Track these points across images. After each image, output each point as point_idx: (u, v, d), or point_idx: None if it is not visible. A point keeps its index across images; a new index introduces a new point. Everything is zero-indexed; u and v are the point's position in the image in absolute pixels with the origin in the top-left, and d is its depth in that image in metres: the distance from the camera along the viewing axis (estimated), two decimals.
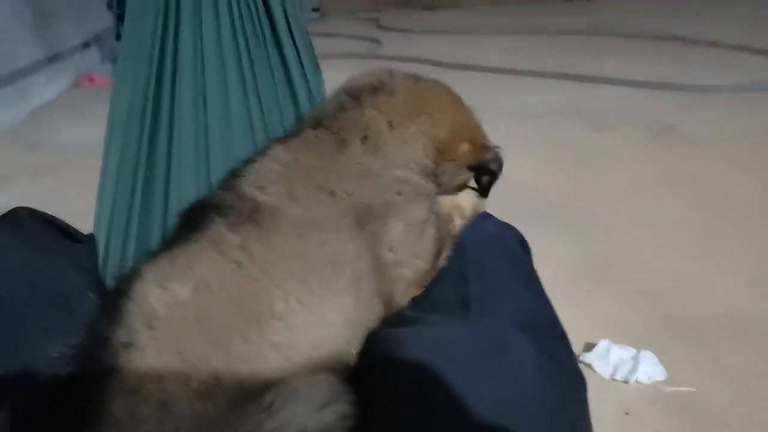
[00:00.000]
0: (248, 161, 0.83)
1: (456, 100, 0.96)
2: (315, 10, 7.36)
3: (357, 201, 0.79)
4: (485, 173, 0.95)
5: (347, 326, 0.72)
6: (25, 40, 3.92)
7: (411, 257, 0.79)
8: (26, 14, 3.96)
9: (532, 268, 0.87)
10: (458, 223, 0.88)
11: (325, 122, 0.87)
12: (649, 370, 1.51)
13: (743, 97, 3.62)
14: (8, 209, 2.56)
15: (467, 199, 0.92)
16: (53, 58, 4.30)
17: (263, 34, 1.01)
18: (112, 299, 0.69)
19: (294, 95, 1.03)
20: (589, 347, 1.60)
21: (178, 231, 0.79)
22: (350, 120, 0.86)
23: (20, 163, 3.07)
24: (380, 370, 0.72)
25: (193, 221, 0.75)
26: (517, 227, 1.02)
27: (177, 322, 0.65)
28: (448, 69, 4.53)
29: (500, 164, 0.96)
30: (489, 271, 0.82)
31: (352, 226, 0.76)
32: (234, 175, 0.82)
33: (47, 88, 4.18)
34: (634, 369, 1.51)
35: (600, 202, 2.40)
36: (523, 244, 0.92)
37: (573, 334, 0.83)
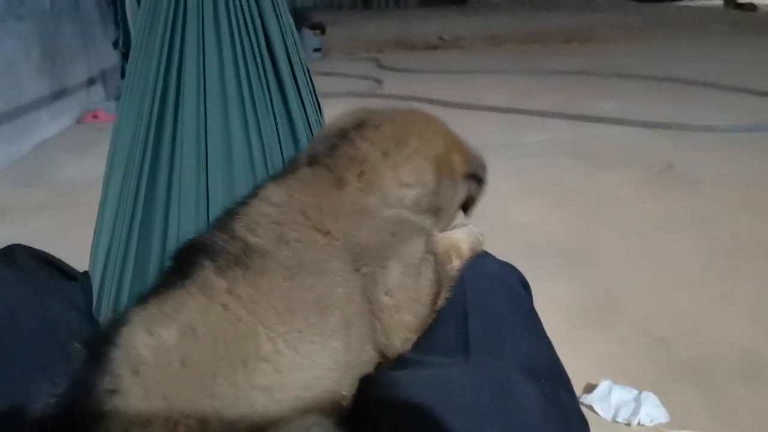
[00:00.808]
0: (242, 202, 0.83)
1: (436, 120, 0.99)
2: (317, 50, 7.51)
3: (353, 241, 0.78)
4: (477, 183, 0.97)
5: (337, 368, 0.71)
6: (32, 76, 3.99)
7: (410, 302, 0.78)
8: (34, 51, 4.04)
9: (534, 309, 0.86)
10: (456, 263, 0.87)
11: (321, 160, 0.87)
12: (652, 412, 1.48)
13: (740, 137, 3.66)
14: (7, 244, 2.55)
15: (465, 239, 0.91)
16: (58, 95, 4.36)
17: (265, 74, 1.02)
18: (99, 345, 0.68)
19: (295, 135, 1.04)
20: (590, 388, 1.57)
21: (168, 274, 0.78)
22: (346, 156, 0.86)
23: (21, 198, 3.08)
24: (378, 413, 0.70)
25: (184, 264, 0.74)
26: (518, 267, 1.01)
27: (163, 368, 0.65)
28: (449, 108, 4.59)
29: (486, 170, 0.99)
30: (490, 312, 0.80)
31: (345, 269, 0.75)
32: (228, 216, 0.81)
33: (51, 123, 4.23)
34: (636, 411, 1.48)
35: (601, 242, 2.40)
36: (524, 285, 0.91)
37: (574, 374, 0.82)
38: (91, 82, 5.02)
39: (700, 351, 1.69)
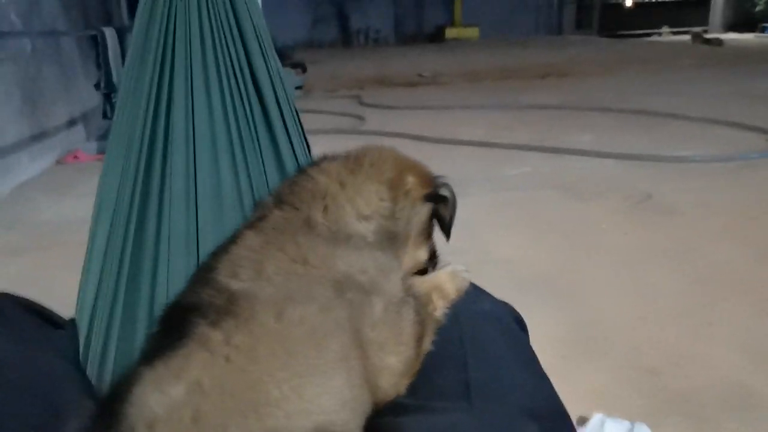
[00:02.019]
0: (220, 252, 0.83)
1: (392, 149, 1.01)
2: (298, 87, 7.60)
3: (333, 269, 0.78)
4: (440, 201, 0.97)
5: (343, 409, 0.70)
6: (12, 118, 3.97)
7: (394, 342, 0.77)
8: (15, 94, 4.03)
9: (530, 347, 0.86)
10: (440, 304, 0.86)
11: (284, 200, 0.89)
12: None
13: (713, 167, 3.76)
14: None
15: (448, 280, 0.91)
16: (39, 136, 4.34)
17: (254, 116, 1.03)
18: (112, 402, 0.67)
19: (285, 175, 1.04)
20: (582, 421, 1.56)
21: (162, 336, 0.78)
22: (307, 191, 0.89)
23: (0, 242, 3.03)
24: None
25: (176, 326, 0.74)
26: (504, 300, 1.02)
27: (175, 424, 0.65)
28: (429, 143, 4.66)
29: (452, 191, 0.97)
30: (489, 353, 0.80)
31: (329, 293, 0.75)
32: (207, 269, 0.80)
33: (31, 165, 4.19)
34: None
35: (585, 273, 2.42)
36: (519, 322, 0.91)
37: (565, 407, 0.82)
38: (71, 123, 5.01)
39: (690, 382, 1.70)
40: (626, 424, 1.52)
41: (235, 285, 0.75)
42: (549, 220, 3.05)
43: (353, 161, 0.95)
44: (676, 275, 2.34)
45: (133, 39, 1.04)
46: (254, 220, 0.88)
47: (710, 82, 7.07)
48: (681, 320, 2.02)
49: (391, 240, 0.89)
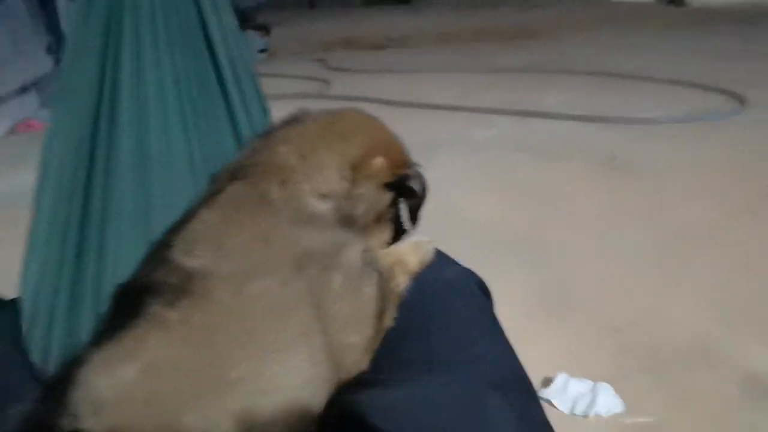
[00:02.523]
0: (174, 228, 0.77)
1: (371, 120, 0.91)
2: (262, 51, 7.39)
3: (292, 248, 0.74)
4: (406, 194, 0.87)
5: (306, 386, 0.68)
6: None
7: (356, 320, 0.73)
8: None
9: (495, 316, 0.84)
10: (401, 279, 0.83)
11: (240, 172, 0.81)
12: (608, 402, 1.50)
13: (680, 127, 3.79)
14: None
15: (410, 252, 0.87)
16: None
17: (207, 79, 0.98)
18: (56, 385, 0.63)
19: (240, 141, 0.99)
20: (547, 382, 1.58)
21: (114, 315, 0.73)
22: (263, 164, 0.80)
23: None
24: None
25: (128, 306, 0.70)
26: (472, 263, 0.99)
27: (125, 406, 0.61)
28: (397, 107, 4.59)
29: (423, 184, 0.88)
30: (452, 324, 0.78)
31: (290, 268, 0.72)
32: (162, 247, 0.75)
33: None
34: (592, 402, 1.50)
35: (552, 235, 2.44)
36: (483, 289, 0.89)
37: (531, 368, 0.81)
38: (23, 90, 4.79)
39: (653, 339, 1.73)
40: (589, 383, 1.55)
41: (190, 263, 0.70)
42: (518, 182, 3.05)
43: (321, 128, 0.85)
44: (645, 235, 2.37)
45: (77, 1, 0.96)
46: (209, 195, 0.81)
47: (677, 43, 7.10)
48: (649, 279, 2.06)
49: (349, 222, 0.81)
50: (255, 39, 7.10)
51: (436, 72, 6.13)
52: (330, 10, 13.39)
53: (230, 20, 1.01)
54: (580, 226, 2.51)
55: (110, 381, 0.62)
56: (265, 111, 1.05)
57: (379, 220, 0.87)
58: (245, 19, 7.16)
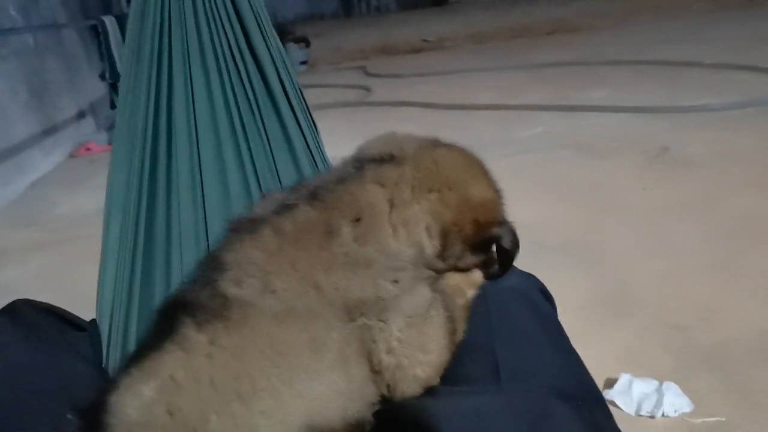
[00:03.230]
0: (233, 241, 0.76)
1: (474, 171, 0.86)
2: (304, 62, 7.51)
3: (346, 296, 0.72)
4: (497, 250, 0.84)
5: (339, 396, 0.69)
6: (20, 115, 3.97)
7: (418, 354, 0.72)
8: (22, 90, 4.03)
9: (558, 322, 0.84)
10: (470, 293, 0.82)
11: (321, 195, 0.78)
12: (675, 402, 1.46)
13: (732, 114, 3.65)
14: (7, 286, 2.51)
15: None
16: (49, 131, 4.35)
17: (257, 99, 1.01)
18: (95, 414, 0.67)
19: (294, 156, 1.02)
20: (610, 383, 1.55)
21: (152, 332, 0.76)
22: (347, 196, 0.77)
23: (18, 238, 3.06)
24: None
25: (166, 322, 0.72)
26: (527, 265, 0.99)
27: (152, 424, 0.64)
28: (438, 109, 4.59)
29: (514, 241, 0.84)
30: (517, 332, 0.78)
31: (339, 316, 0.71)
32: (214, 266, 0.75)
33: (44, 160, 4.22)
34: (659, 402, 1.46)
35: (606, 232, 2.38)
36: (546, 295, 0.89)
37: (592, 370, 0.80)
38: (80, 115, 5.01)
39: (718, 336, 1.67)
40: (654, 382, 1.51)
41: (233, 292, 0.71)
42: (567, 180, 3.00)
43: (422, 177, 0.80)
44: (700, 229, 2.29)
45: (128, 31, 1.01)
46: (280, 208, 0.79)
47: (724, 27, 6.84)
48: (706, 274, 1.99)
49: (429, 269, 0.79)
50: (295, 51, 7.22)
51: (476, 72, 6.08)
52: (366, 18, 13.48)
53: (275, 41, 1.04)
54: (634, 222, 2.45)
55: (134, 402, 0.65)
56: (314, 125, 1.07)
57: (466, 270, 0.85)
58: (285, 33, 7.30)
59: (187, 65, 0.98)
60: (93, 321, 0.98)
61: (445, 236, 0.79)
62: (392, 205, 0.78)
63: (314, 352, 0.69)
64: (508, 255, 0.85)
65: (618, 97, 4.24)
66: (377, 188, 0.78)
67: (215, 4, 0.99)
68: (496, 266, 0.87)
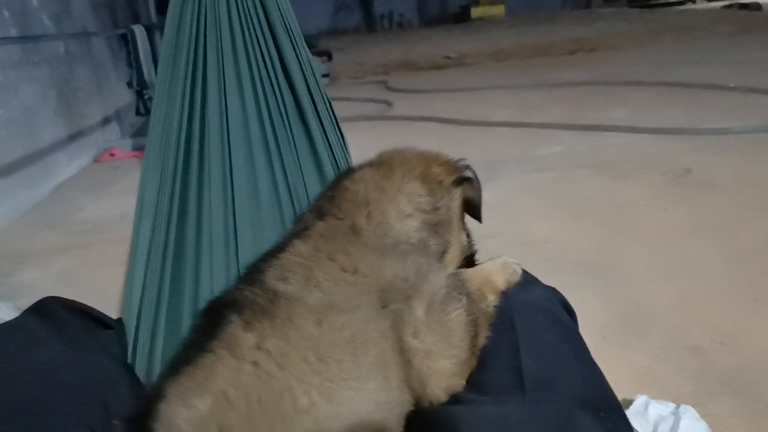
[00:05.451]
0: (268, 256, 0.84)
1: (409, 149, 1.05)
2: (325, 75, 7.59)
3: (379, 278, 0.79)
4: (467, 182, 1.01)
5: (378, 410, 0.70)
6: (49, 119, 4.07)
7: (442, 345, 0.76)
8: (51, 95, 4.13)
9: (580, 336, 0.85)
10: (491, 299, 0.86)
11: (327, 210, 0.91)
12: (692, 426, 1.44)
13: (755, 138, 3.63)
14: (30, 287, 2.55)
15: (497, 271, 0.90)
16: (75, 136, 4.44)
17: (287, 111, 1.04)
18: (140, 420, 0.68)
19: (320, 168, 1.05)
20: (626, 404, 1.54)
21: (197, 333, 0.78)
22: (347, 201, 0.91)
23: (43, 240, 3.12)
24: None
25: (212, 322, 0.75)
26: (544, 283, 1.00)
27: None
28: (458, 126, 4.61)
29: (473, 172, 1.04)
30: (541, 343, 0.79)
31: (375, 304, 0.75)
32: (256, 270, 0.81)
33: (69, 164, 4.30)
34: (675, 426, 1.44)
35: (624, 252, 2.37)
36: (568, 309, 0.90)
37: None
38: (106, 121, 5.11)
39: (737, 360, 1.66)
40: (671, 405, 1.49)
41: (281, 287, 0.76)
42: (585, 199, 3.00)
43: (382, 166, 0.99)
44: (719, 251, 2.28)
45: (164, 41, 1.05)
46: (299, 230, 0.90)
47: (749, 50, 6.80)
48: (725, 297, 1.97)
49: (435, 230, 0.91)
50: (317, 65, 7.29)
51: (497, 89, 6.11)
52: (388, 33, 13.59)
53: (305, 52, 1.07)
54: (653, 243, 2.43)
55: (186, 415, 0.66)
56: (342, 137, 1.10)
57: (458, 219, 0.97)
58: (307, 46, 7.39)
59: (221, 74, 1.01)
60: (119, 320, 1.00)
61: (425, 182, 0.96)
62: (381, 190, 0.93)
63: (354, 352, 0.70)
64: (478, 188, 1.04)
65: (638, 118, 4.23)
66: (362, 186, 0.94)
67: (249, 16, 1.02)
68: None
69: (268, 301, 0.74)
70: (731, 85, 4.88)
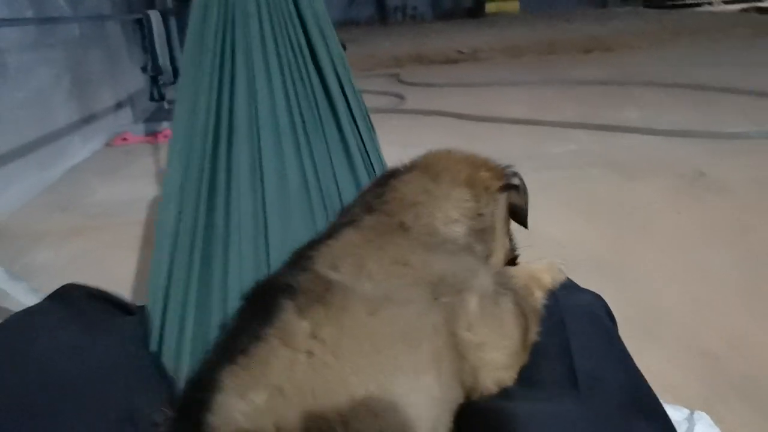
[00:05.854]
0: (316, 243, 0.83)
1: (453, 150, 1.06)
2: None
3: (430, 271, 0.78)
4: (513, 190, 1.02)
5: (433, 405, 0.69)
6: (62, 102, 4.07)
7: (495, 337, 0.76)
8: (65, 78, 4.13)
9: (623, 342, 0.85)
10: (539, 295, 0.86)
11: (377, 206, 0.91)
12: None
13: None
14: (42, 268, 2.56)
15: (545, 270, 0.91)
16: (88, 119, 4.45)
17: (315, 97, 1.03)
18: (191, 410, 0.67)
19: (349, 157, 1.04)
20: None
21: (247, 318, 0.77)
22: (396, 201, 0.91)
23: (56, 223, 3.13)
24: None
25: (263, 306, 0.73)
26: (596, 293, 1.01)
27: (257, 430, 0.64)
28: (471, 121, 4.59)
29: (521, 179, 1.04)
30: (590, 346, 0.79)
31: (426, 297, 0.75)
32: (304, 256, 0.80)
33: (82, 148, 4.31)
34: None
35: (638, 254, 2.36)
36: (610, 315, 0.90)
37: None
38: (119, 105, 5.12)
39: (751, 366, 1.65)
40: (685, 411, 1.48)
41: (333, 275, 0.75)
42: (598, 199, 2.98)
43: (429, 169, 0.98)
44: (733, 255, 2.26)
45: (190, 24, 1.04)
46: (347, 221, 0.90)
47: (763, 52, 6.74)
48: (740, 301, 1.96)
49: (480, 236, 0.91)
50: None
51: (510, 85, 6.07)
52: (401, 26, 13.53)
53: (336, 44, 1.06)
54: (664, 245, 2.42)
55: (243, 408, 0.66)
56: (371, 127, 1.09)
57: (503, 224, 0.97)
58: None
59: (251, 60, 1.00)
60: (141, 306, 1.00)
61: (473, 188, 0.96)
62: (428, 193, 0.93)
63: (409, 346, 0.70)
64: (524, 194, 1.05)
65: (653, 119, 4.20)
66: (409, 188, 0.94)
67: (277, 2, 1.01)
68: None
69: (323, 289, 0.73)
70: (748, 88, 4.83)
